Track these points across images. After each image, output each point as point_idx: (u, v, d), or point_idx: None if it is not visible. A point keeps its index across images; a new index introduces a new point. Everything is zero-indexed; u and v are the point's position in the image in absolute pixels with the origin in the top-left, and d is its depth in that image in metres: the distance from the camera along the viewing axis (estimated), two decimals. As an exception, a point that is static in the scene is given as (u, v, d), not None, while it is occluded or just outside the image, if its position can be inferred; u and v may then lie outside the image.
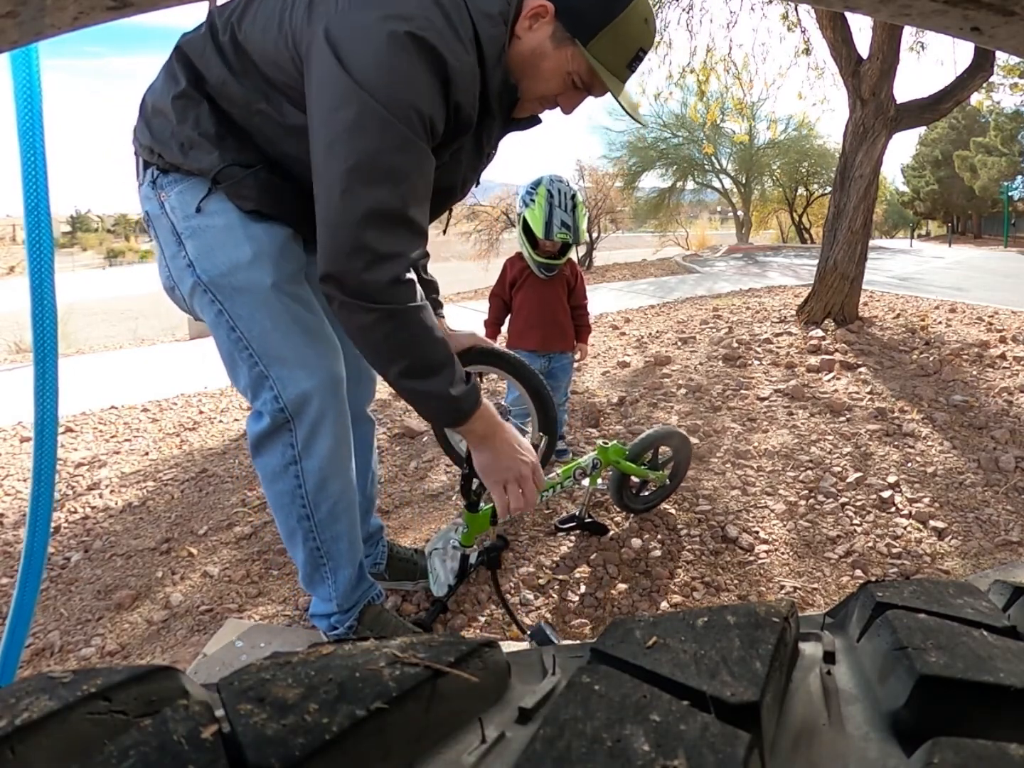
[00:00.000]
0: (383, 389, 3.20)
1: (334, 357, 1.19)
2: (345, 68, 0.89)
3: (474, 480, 1.34)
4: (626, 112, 1.10)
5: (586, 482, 1.76)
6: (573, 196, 2.12)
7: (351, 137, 0.90)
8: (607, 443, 1.74)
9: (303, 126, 0.98)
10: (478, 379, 1.14)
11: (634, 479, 1.85)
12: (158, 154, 1.11)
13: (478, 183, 1.29)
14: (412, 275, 1.00)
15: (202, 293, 1.12)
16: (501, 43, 1.00)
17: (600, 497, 2.04)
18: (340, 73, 0.89)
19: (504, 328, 2.38)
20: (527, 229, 2.13)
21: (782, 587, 1.64)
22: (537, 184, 2.11)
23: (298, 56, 0.96)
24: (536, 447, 1.31)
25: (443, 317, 1.44)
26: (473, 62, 0.97)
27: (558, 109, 1.14)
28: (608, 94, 1.08)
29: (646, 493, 1.96)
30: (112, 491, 2.45)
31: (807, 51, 6.41)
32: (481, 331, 1.84)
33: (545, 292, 2.23)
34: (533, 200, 2.09)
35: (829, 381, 3.18)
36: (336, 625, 1.32)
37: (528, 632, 1.39)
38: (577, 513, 1.85)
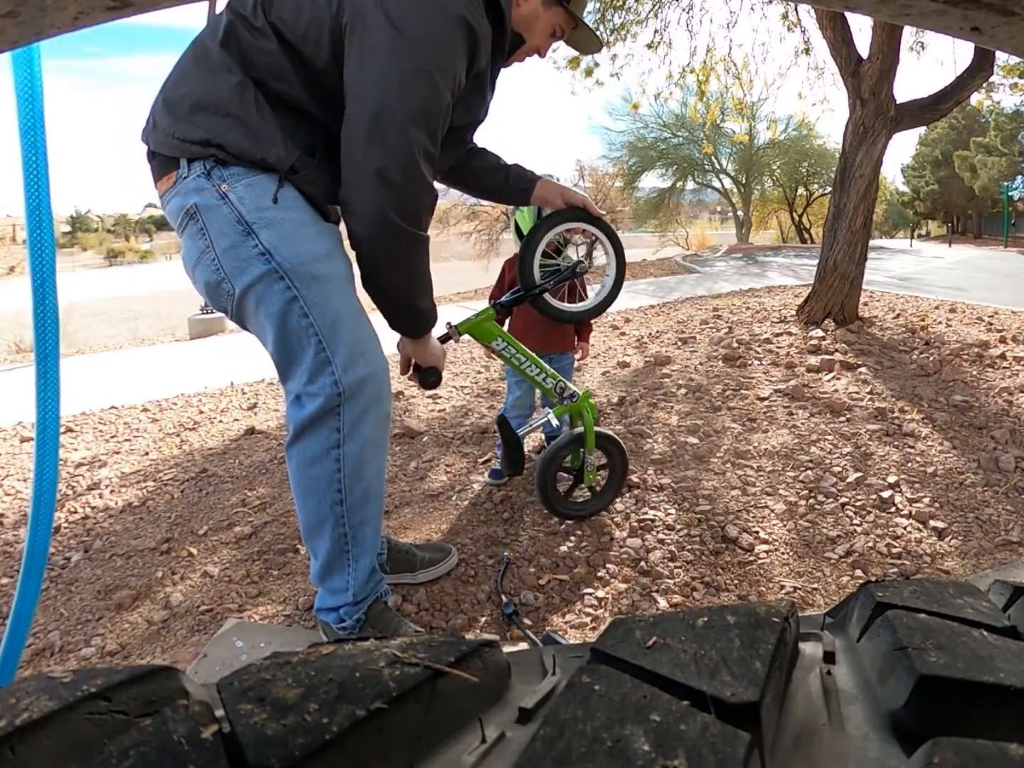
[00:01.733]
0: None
1: (381, 348, 1.30)
2: (401, 34, 1.09)
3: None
4: (596, 38, 1.51)
5: (550, 414, 1.83)
6: None
7: (406, 87, 1.10)
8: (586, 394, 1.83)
9: (332, 86, 1.14)
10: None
11: (562, 475, 1.89)
12: (217, 145, 1.13)
13: (487, 112, 1.45)
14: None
15: (276, 280, 1.16)
16: (510, 9, 1.31)
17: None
18: (396, 36, 1.08)
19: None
20: (520, 231, 2.11)
21: (782, 587, 1.64)
22: None
23: (338, 26, 1.11)
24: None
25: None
26: (489, 29, 1.22)
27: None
28: (568, 38, 1.49)
29: (579, 500, 1.97)
30: (112, 491, 2.45)
31: (807, 51, 6.42)
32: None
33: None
34: None
35: (829, 381, 3.18)
36: (344, 617, 1.32)
37: (538, 643, 1.39)
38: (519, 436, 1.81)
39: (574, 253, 1.86)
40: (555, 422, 1.83)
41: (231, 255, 1.16)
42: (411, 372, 1.50)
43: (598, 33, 1.56)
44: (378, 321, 1.30)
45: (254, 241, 1.15)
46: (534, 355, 1.78)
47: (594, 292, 1.86)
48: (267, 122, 1.15)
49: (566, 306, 1.80)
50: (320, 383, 1.20)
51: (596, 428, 1.86)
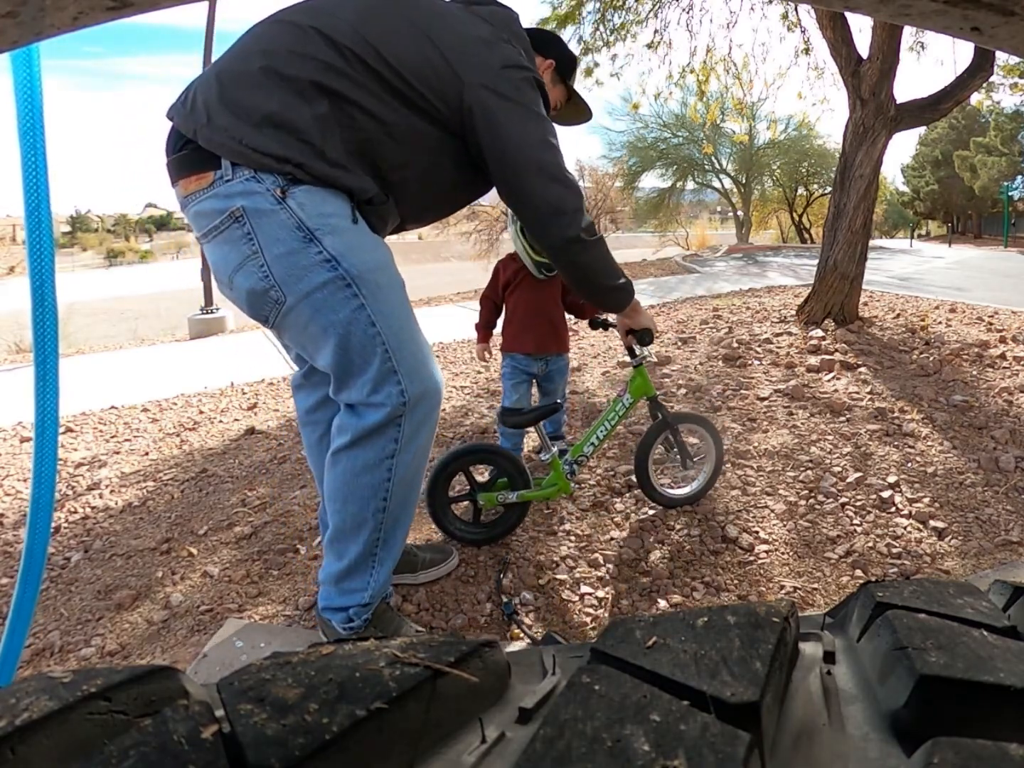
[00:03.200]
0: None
1: (436, 364, 1.32)
2: (522, 104, 1.25)
3: None
4: (588, 109, 1.71)
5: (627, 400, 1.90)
6: None
7: (547, 140, 1.28)
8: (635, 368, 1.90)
9: (421, 132, 1.23)
10: None
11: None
12: (297, 164, 1.12)
13: None
14: None
15: (343, 287, 1.16)
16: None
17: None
18: (520, 106, 1.25)
19: (496, 331, 2.36)
20: (523, 229, 2.10)
21: (782, 587, 1.64)
22: None
23: (455, 86, 1.22)
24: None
25: None
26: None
27: None
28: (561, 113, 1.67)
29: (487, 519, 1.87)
30: (112, 491, 2.45)
31: (807, 51, 6.41)
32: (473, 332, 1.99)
33: (540, 293, 2.20)
34: None
35: (829, 381, 3.17)
36: (354, 618, 1.32)
37: (538, 643, 1.39)
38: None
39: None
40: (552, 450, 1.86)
41: (286, 261, 1.13)
42: (627, 336, 1.80)
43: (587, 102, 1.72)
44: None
45: (317, 247, 1.13)
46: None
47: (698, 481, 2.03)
48: (347, 160, 1.17)
49: (671, 492, 2.00)
50: (386, 392, 1.20)
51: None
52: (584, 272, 1.41)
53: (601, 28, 6.34)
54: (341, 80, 1.14)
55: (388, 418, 1.20)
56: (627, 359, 1.99)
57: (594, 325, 1.98)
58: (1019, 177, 22.97)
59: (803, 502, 2.03)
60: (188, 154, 1.15)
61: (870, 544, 1.79)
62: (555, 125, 1.38)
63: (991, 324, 4.52)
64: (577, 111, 1.70)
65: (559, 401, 2.26)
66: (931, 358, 3.52)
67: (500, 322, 2.33)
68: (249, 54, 1.16)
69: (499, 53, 1.25)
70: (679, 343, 4.19)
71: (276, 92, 1.12)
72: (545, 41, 1.57)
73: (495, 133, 1.24)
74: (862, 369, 3.33)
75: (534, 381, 2.34)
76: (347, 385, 1.22)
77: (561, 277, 1.44)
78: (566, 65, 1.61)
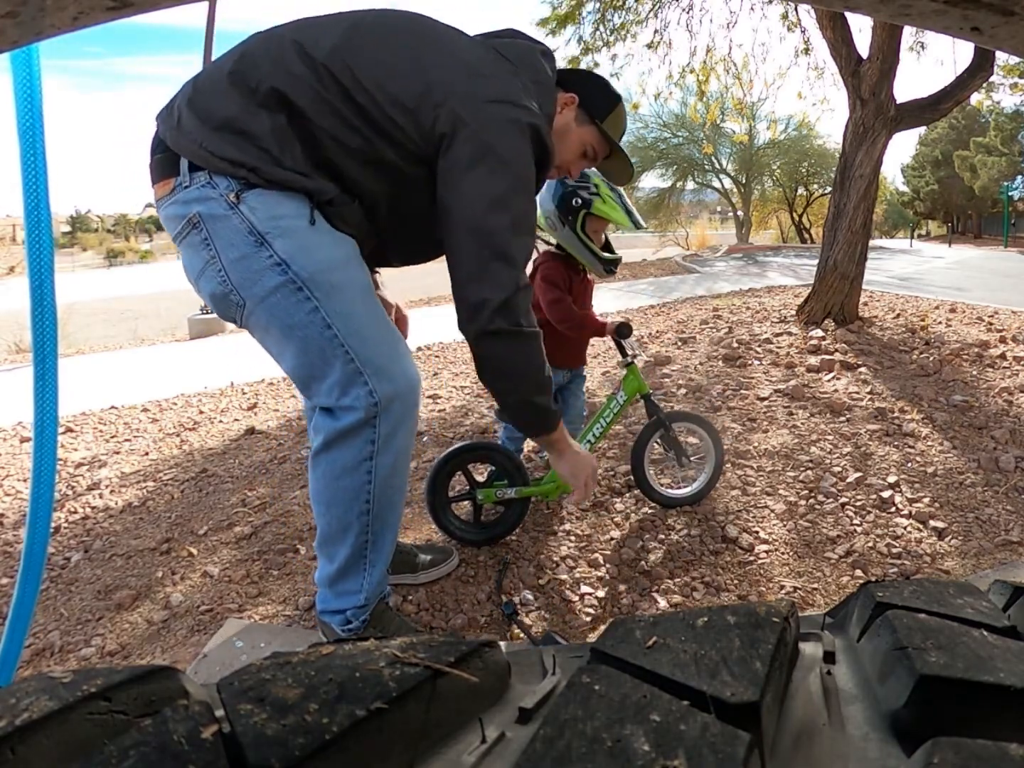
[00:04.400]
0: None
1: (412, 359, 1.26)
2: (491, 148, 1.12)
3: None
4: (630, 167, 1.51)
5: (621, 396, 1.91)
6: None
7: (505, 199, 1.13)
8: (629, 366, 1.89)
9: (390, 163, 1.16)
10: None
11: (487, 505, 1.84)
12: (251, 169, 1.10)
13: None
14: None
15: (294, 291, 1.12)
16: (552, 117, 1.29)
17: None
18: (487, 150, 1.12)
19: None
20: (585, 225, 1.87)
21: (782, 587, 1.64)
22: (584, 177, 1.86)
23: (431, 114, 1.12)
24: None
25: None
26: (552, 145, 1.25)
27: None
28: (600, 165, 1.50)
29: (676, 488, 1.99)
30: (112, 491, 2.45)
31: (807, 51, 6.42)
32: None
33: (585, 300, 2.06)
34: (596, 194, 1.85)
35: (829, 381, 3.17)
36: (352, 619, 1.31)
37: (538, 642, 1.39)
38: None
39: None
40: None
41: (241, 266, 1.12)
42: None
43: (632, 164, 1.54)
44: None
45: (268, 251, 1.12)
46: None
47: (699, 480, 2.03)
48: (308, 168, 1.13)
49: (669, 492, 2.01)
50: (354, 395, 1.16)
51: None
52: (497, 369, 1.24)
53: (601, 28, 6.34)
54: (305, 96, 1.10)
55: (361, 420, 1.17)
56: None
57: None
58: (1019, 177, 22.96)
59: (803, 502, 2.03)
60: (160, 159, 1.17)
61: (870, 544, 1.79)
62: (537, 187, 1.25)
63: (991, 324, 4.52)
64: (620, 168, 1.50)
65: (582, 410, 2.23)
66: (931, 358, 3.52)
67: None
68: (226, 61, 1.16)
69: (491, 85, 1.14)
70: (679, 343, 4.19)
71: (238, 99, 1.10)
72: (577, 78, 1.41)
73: (446, 176, 1.14)
74: (862, 369, 3.33)
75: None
76: (314, 391, 1.19)
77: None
78: (594, 102, 1.38)
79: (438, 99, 1.12)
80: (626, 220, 1.88)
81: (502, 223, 1.13)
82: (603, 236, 1.94)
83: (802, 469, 2.24)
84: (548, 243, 2.00)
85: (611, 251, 1.96)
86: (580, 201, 1.84)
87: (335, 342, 1.14)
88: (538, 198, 1.87)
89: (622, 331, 1.85)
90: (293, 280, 1.12)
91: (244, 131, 1.10)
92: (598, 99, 1.39)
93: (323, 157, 1.14)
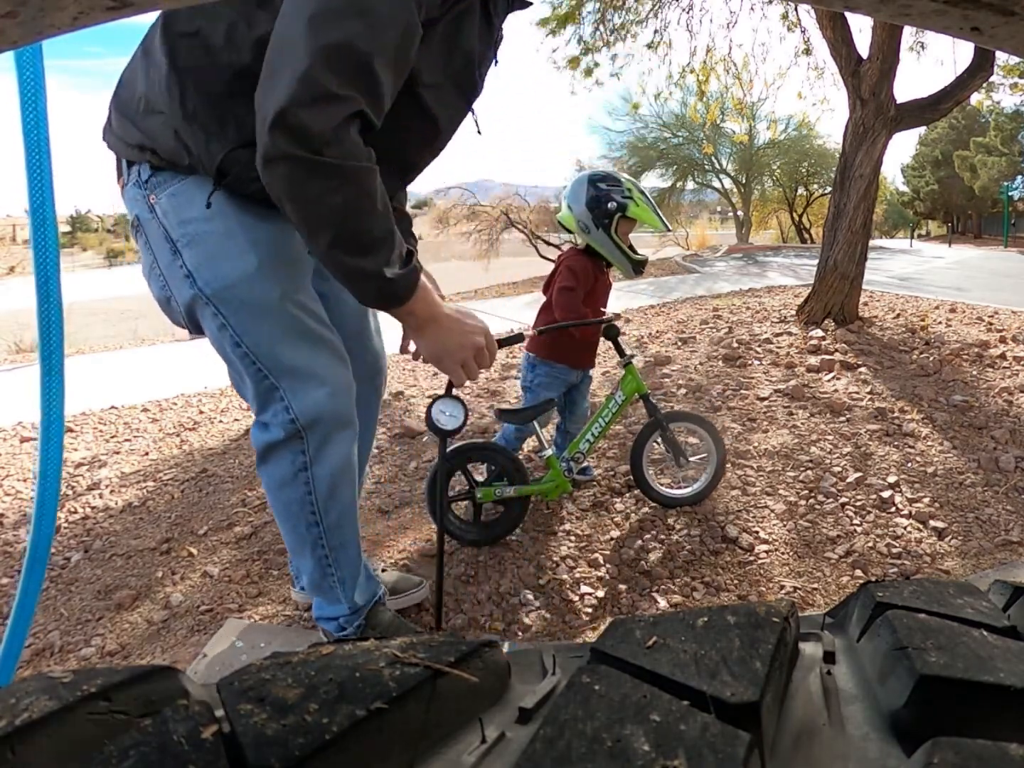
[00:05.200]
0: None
1: (344, 366, 1.18)
2: None
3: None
4: None
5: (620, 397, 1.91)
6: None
7: (335, 14, 0.84)
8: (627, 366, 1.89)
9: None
10: (418, 263, 1.02)
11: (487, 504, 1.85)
12: (151, 150, 1.03)
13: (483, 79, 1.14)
14: (360, 139, 0.90)
15: (204, 306, 1.07)
16: None
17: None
18: None
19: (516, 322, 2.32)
20: (609, 227, 1.87)
21: (782, 587, 1.64)
22: (616, 180, 1.89)
23: None
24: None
25: (415, 251, 1.20)
26: None
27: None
28: None
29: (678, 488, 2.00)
30: (112, 491, 2.45)
31: (807, 51, 6.42)
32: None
33: (603, 298, 2.07)
34: (629, 197, 1.86)
35: (829, 381, 3.17)
36: (345, 626, 1.30)
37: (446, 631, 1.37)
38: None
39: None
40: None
41: (169, 272, 1.08)
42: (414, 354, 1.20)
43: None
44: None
45: (180, 261, 1.06)
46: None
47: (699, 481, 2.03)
48: (193, 116, 0.98)
49: (669, 492, 2.02)
50: (272, 411, 1.11)
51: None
52: (298, 211, 0.91)
53: (601, 28, 6.34)
54: (174, 30, 0.96)
55: (285, 436, 1.12)
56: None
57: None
58: (1019, 177, 22.96)
59: (803, 502, 2.03)
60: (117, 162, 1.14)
61: (870, 544, 1.79)
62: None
63: (991, 324, 4.52)
64: None
65: (553, 398, 2.23)
66: (931, 358, 3.52)
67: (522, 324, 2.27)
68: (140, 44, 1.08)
69: None
70: (679, 343, 4.19)
71: (144, 70, 1.02)
72: None
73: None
74: (862, 369, 3.33)
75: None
76: (245, 399, 1.16)
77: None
78: None
79: None
80: (658, 222, 1.94)
81: (331, 28, 0.84)
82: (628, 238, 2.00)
83: (802, 469, 2.24)
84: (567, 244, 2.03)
85: (635, 252, 2.01)
86: (615, 204, 1.88)
87: (247, 360, 1.08)
88: (569, 201, 1.94)
89: (609, 332, 1.86)
90: (200, 295, 1.06)
91: (150, 100, 1.02)
92: None
93: (207, 89, 0.97)
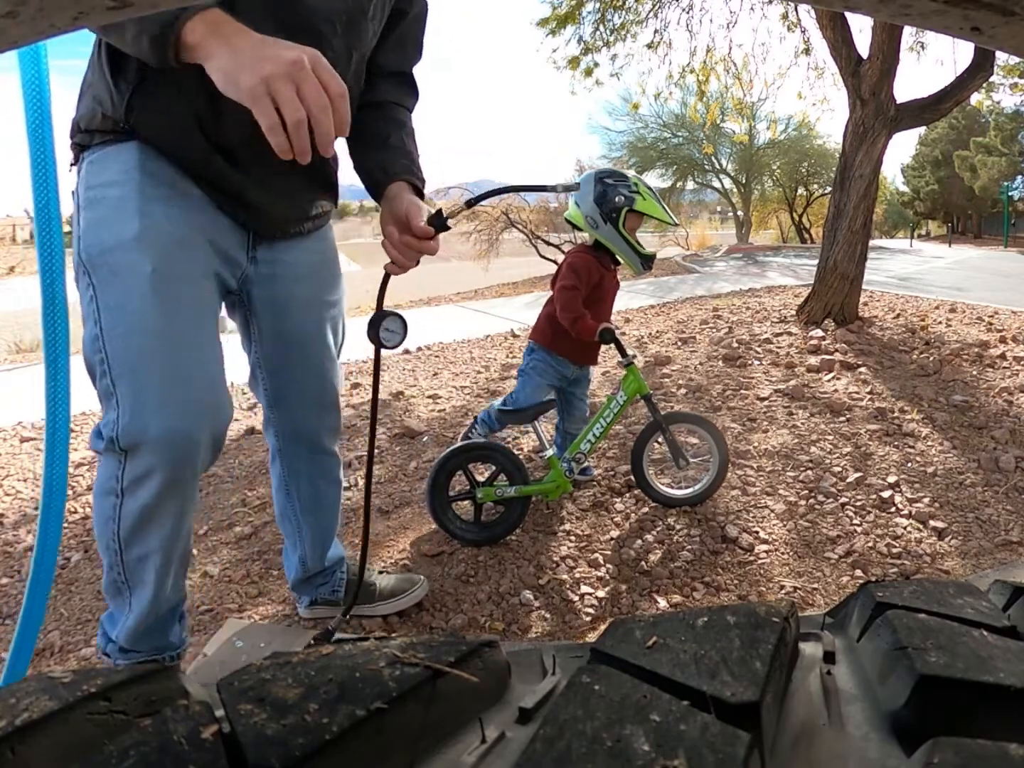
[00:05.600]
0: (383, 390, 3.20)
1: (207, 391, 0.99)
2: None
3: None
4: None
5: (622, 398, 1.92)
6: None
7: None
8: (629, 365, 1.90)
9: None
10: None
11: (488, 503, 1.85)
12: (78, 130, 1.01)
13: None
14: None
15: (82, 273, 0.96)
16: None
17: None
18: None
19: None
20: (625, 222, 1.88)
21: (782, 587, 1.64)
22: (622, 176, 1.91)
23: None
24: None
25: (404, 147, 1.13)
26: None
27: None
28: None
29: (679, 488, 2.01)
30: (112, 491, 2.45)
31: (807, 51, 6.42)
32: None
33: (611, 298, 2.07)
34: (636, 191, 1.88)
35: (829, 381, 3.17)
36: (109, 654, 1.15)
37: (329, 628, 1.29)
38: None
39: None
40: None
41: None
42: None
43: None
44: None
45: (78, 226, 0.99)
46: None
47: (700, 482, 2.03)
48: (100, 73, 0.95)
49: (670, 491, 2.02)
50: (106, 420, 0.96)
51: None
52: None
53: (601, 28, 6.34)
54: None
55: (103, 450, 0.98)
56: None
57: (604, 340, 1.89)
58: (1019, 177, 22.97)
59: (803, 502, 2.03)
60: None
61: (870, 544, 1.79)
62: None
63: (991, 324, 4.52)
64: None
65: (553, 399, 2.23)
66: (931, 358, 3.52)
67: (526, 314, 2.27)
68: None
69: None
70: (679, 343, 4.19)
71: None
72: None
73: None
74: (862, 369, 3.33)
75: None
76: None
77: None
78: None
79: None
80: (665, 216, 1.94)
81: None
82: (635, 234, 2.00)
83: (802, 469, 2.24)
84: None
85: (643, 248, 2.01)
86: (623, 199, 1.89)
87: (97, 344, 0.94)
88: (576, 199, 1.95)
89: (604, 336, 1.85)
90: (79, 260, 0.96)
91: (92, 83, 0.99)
92: None
93: (107, 45, 0.92)
